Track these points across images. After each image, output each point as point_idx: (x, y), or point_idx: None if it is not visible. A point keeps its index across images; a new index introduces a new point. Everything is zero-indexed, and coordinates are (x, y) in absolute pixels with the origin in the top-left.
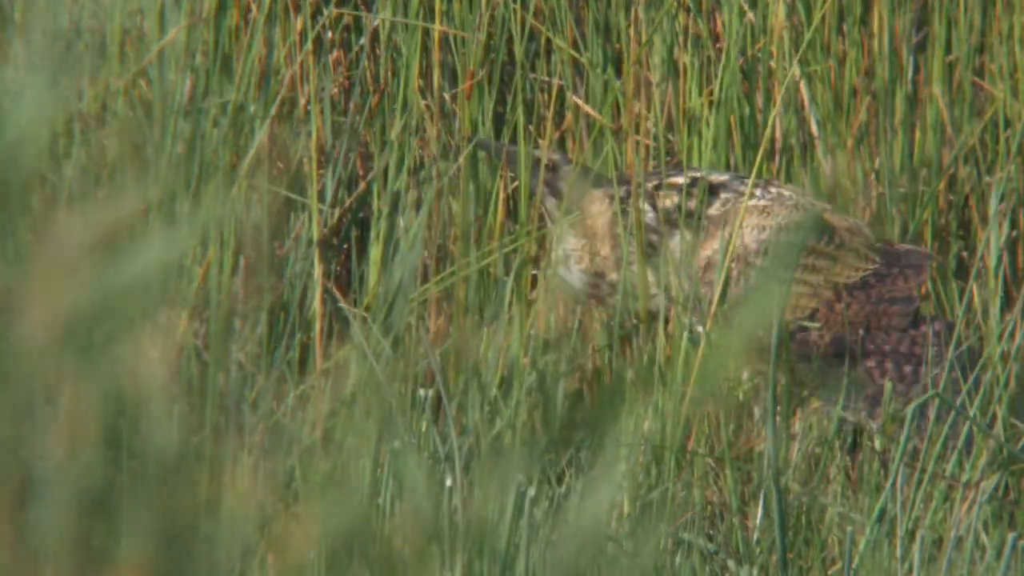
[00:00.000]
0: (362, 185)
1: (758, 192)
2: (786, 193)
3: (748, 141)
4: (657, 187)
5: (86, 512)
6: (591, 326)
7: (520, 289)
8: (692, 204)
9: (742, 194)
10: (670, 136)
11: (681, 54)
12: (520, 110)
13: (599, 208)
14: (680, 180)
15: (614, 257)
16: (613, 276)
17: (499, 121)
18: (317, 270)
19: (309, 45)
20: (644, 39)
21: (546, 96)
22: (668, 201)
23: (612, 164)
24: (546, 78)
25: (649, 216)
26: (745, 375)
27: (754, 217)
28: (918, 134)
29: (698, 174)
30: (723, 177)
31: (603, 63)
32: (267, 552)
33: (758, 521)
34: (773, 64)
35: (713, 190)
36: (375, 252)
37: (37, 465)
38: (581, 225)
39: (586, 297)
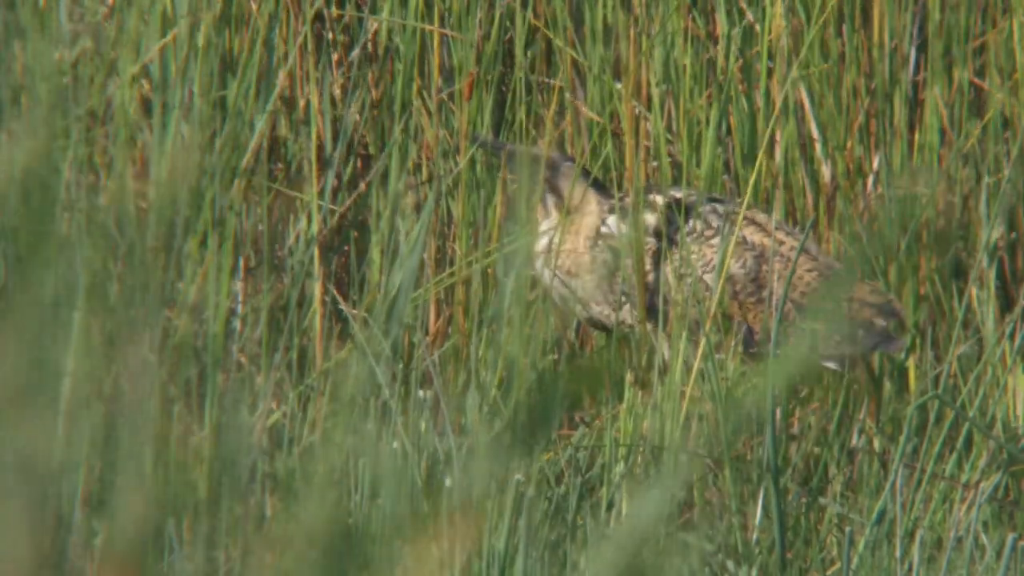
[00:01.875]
0: (362, 186)
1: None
2: (749, 239)
3: (748, 142)
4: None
5: (85, 511)
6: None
7: (520, 290)
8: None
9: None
10: (669, 137)
11: (681, 55)
12: (522, 111)
13: (591, 209)
14: (660, 199)
15: (588, 260)
16: (587, 278)
17: (498, 122)
18: (317, 270)
19: (310, 47)
20: (645, 41)
21: (546, 97)
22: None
23: (612, 166)
24: (546, 79)
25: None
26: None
27: (708, 251)
28: (918, 135)
29: (678, 195)
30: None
31: (602, 65)
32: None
33: (757, 521)
34: (773, 65)
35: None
36: (375, 253)
37: (33, 464)
38: (570, 224)
39: (553, 296)
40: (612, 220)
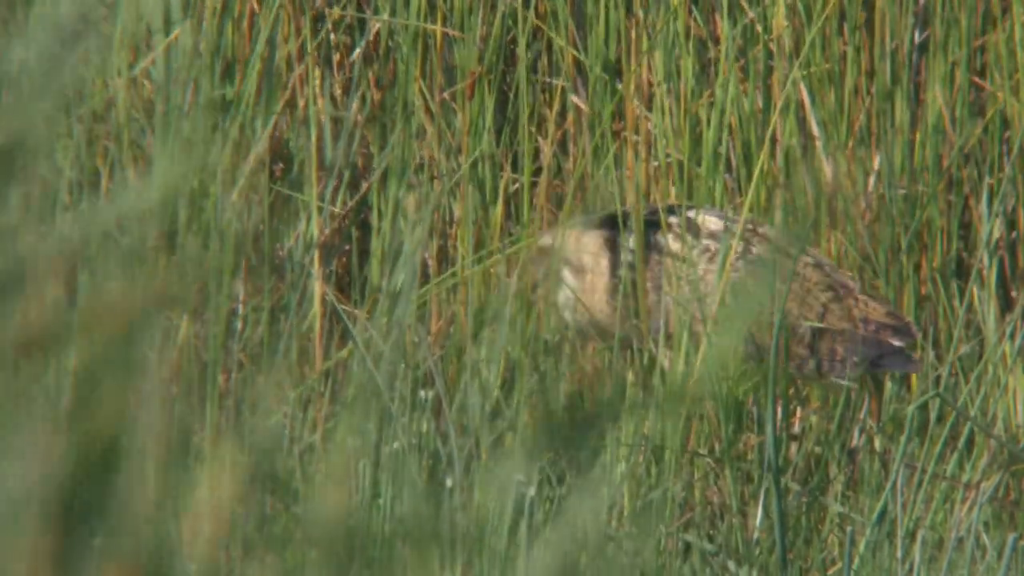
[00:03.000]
0: (364, 186)
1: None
2: (764, 257)
3: (748, 142)
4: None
5: (81, 514)
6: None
7: (521, 290)
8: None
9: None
10: (671, 138)
11: (682, 55)
12: (525, 111)
13: (595, 248)
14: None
15: (606, 301)
16: (608, 323)
17: (500, 122)
18: (317, 271)
19: (310, 47)
20: (646, 42)
21: (548, 97)
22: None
23: (612, 166)
24: (548, 79)
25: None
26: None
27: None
28: (919, 134)
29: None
30: (710, 218)
31: (604, 64)
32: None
33: (758, 521)
34: (774, 64)
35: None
36: (376, 253)
37: (30, 468)
38: (584, 283)
39: (585, 336)
40: (625, 262)
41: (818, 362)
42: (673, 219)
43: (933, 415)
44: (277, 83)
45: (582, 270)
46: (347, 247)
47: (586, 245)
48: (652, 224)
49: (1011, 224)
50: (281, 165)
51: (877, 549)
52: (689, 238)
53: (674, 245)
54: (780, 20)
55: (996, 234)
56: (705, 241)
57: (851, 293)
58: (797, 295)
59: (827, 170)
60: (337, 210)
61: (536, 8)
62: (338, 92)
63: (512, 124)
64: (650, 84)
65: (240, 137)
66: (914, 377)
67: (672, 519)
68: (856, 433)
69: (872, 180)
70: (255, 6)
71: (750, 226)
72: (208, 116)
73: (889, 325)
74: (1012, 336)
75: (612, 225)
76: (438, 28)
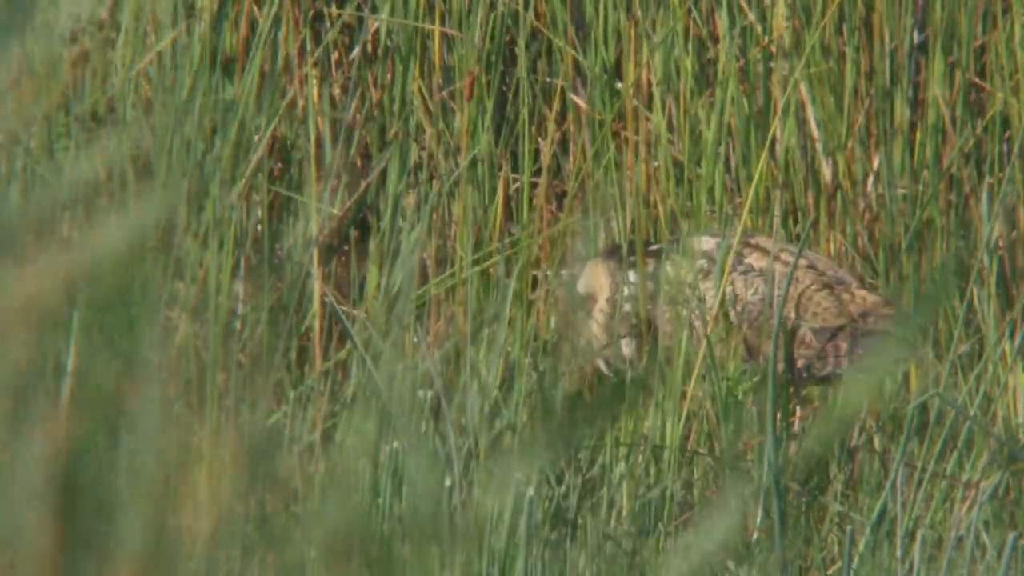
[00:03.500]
0: (362, 186)
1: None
2: (755, 265)
3: (748, 142)
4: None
5: (80, 513)
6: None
7: (521, 290)
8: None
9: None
10: (671, 137)
11: (682, 55)
12: (528, 111)
13: (602, 283)
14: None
15: (602, 324)
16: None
17: (499, 122)
18: (316, 271)
19: (310, 47)
20: (646, 43)
21: (547, 96)
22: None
23: (613, 166)
24: (547, 79)
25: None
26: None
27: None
28: (918, 134)
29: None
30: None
31: (603, 65)
32: (267, 552)
33: (758, 521)
34: (774, 65)
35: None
36: (375, 253)
37: (28, 464)
38: (589, 311)
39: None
40: (624, 289)
41: (822, 361)
42: (669, 248)
43: (933, 414)
44: (277, 83)
45: (592, 297)
46: (346, 247)
47: (593, 274)
48: (655, 255)
49: (1012, 223)
50: (280, 165)
51: (877, 549)
52: (683, 262)
53: (669, 270)
54: (780, 20)
55: (996, 234)
56: (699, 261)
57: (847, 288)
58: (792, 299)
59: (827, 170)
60: (336, 210)
61: (535, 9)
62: (337, 92)
63: (511, 124)
64: (650, 84)
65: (240, 137)
66: (914, 376)
67: (672, 519)
68: (856, 432)
69: (872, 180)
70: (254, 5)
71: (742, 237)
72: (207, 116)
73: (887, 314)
74: (1012, 335)
75: (615, 254)
76: (436, 28)
